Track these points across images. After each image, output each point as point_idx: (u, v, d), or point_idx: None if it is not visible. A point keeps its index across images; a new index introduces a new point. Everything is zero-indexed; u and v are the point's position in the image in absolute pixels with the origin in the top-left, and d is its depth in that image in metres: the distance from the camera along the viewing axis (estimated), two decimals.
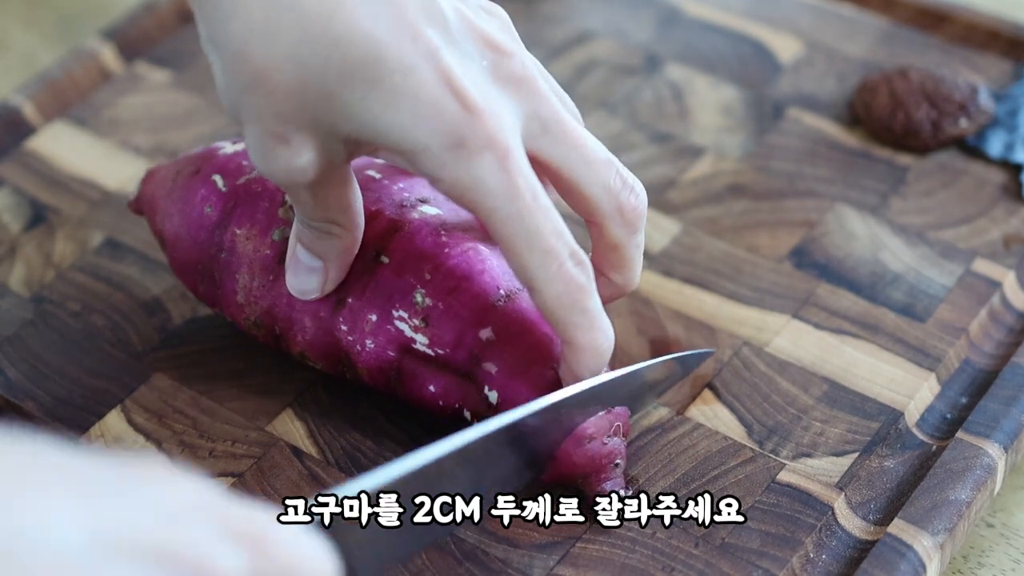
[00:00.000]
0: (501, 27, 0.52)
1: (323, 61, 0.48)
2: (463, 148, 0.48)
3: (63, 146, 0.71)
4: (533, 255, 0.50)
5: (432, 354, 0.54)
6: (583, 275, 0.50)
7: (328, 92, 0.49)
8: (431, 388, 0.55)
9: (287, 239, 0.56)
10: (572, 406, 0.52)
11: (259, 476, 0.56)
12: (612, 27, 0.77)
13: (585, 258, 0.51)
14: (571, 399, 0.52)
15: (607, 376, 0.53)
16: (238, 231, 0.57)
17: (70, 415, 0.59)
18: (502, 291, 0.54)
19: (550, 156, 0.51)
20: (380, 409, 0.58)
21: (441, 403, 0.55)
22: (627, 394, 0.54)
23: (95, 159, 0.71)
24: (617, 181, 0.52)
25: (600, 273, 0.54)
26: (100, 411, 0.59)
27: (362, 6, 0.48)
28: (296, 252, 0.55)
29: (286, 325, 0.57)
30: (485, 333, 0.53)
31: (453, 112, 0.48)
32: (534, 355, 0.53)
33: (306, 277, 0.55)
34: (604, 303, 0.53)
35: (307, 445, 0.57)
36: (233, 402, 0.59)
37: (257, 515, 0.39)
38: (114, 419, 0.59)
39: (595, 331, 0.51)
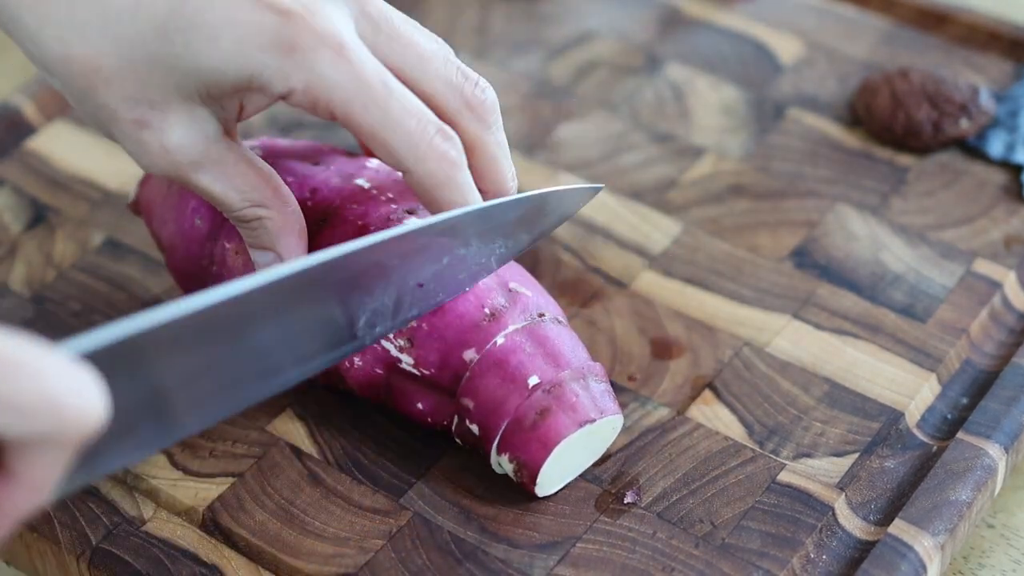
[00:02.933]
0: None
1: (135, 27, 0.49)
2: (296, 50, 0.48)
3: (64, 146, 0.71)
4: (398, 137, 0.49)
5: (418, 374, 0.54)
6: (453, 149, 0.50)
7: (155, 55, 0.49)
8: (419, 406, 0.55)
9: None
10: (432, 235, 0.51)
11: (259, 476, 0.56)
12: (613, 27, 0.77)
13: (452, 133, 0.50)
14: (431, 227, 0.50)
15: (466, 208, 0.51)
16: (228, 245, 0.57)
17: None
18: (487, 310, 0.54)
19: (387, 56, 0.51)
20: (380, 409, 0.58)
21: (430, 420, 0.55)
22: (490, 229, 0.53)
23: (96, 159, 0.70)
24: (459, 76, 0.52)
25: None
26: None
27: None
28: (253, 258, 0.54)
29: None
30: (469, 354, 0.54)
31: (272, 22, 0.48)
32: (509, 387, 0.53)
33: None
34: None
35: (307, 445, 0.57)
36: None
37: (5, 339, 0.36)
38: None
39: (467, 204, 0.51)
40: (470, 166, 0.52)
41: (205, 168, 0.51)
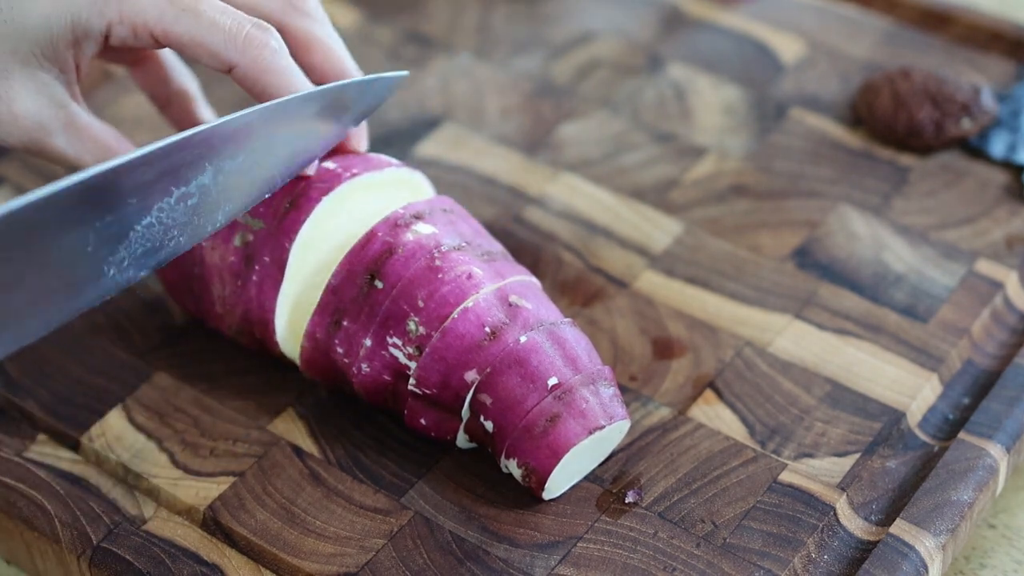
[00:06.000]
0: None
1: None
2: None
3: None
4: (216, 37, 0.52)
5: (420, 393, 0.54)
6: (272, 39, 0.53)
7: None
8: (422, 421, 0.55)
9: (249, 243, 0.56)
10: (281, 117, 0.53)
11: (260, 475, 0.56)
12: (614, 27, 0.77)
13: (268, 26, 0.53)
14: (257, 112, 0.52)
15: (274, 101, 0.53)
16: (204, 243, 0.57)
17: (71, 414, 0.59)
18: (487, 328, 0.54)
19: None
20: (382, 409, 0.58)
21: (433, 434, 0.56)
22: (297, 119, 0.55)
23: None
24: None
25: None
26: (101, 410, 0.59)
27: None
28: None
29: (262, 328, 0.57)
30: (470, 375, 0.54)
31: None
32: (529, 387, 0.53)
33: None
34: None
35: (308, 444, 0.57)
36: (235, 401, 0.59)
37: None
38: (115, 418, 0.59)
39: (295, 88, 0.53)
40: (310, 64, 0.55)
41: (56, 133, 0.54)
